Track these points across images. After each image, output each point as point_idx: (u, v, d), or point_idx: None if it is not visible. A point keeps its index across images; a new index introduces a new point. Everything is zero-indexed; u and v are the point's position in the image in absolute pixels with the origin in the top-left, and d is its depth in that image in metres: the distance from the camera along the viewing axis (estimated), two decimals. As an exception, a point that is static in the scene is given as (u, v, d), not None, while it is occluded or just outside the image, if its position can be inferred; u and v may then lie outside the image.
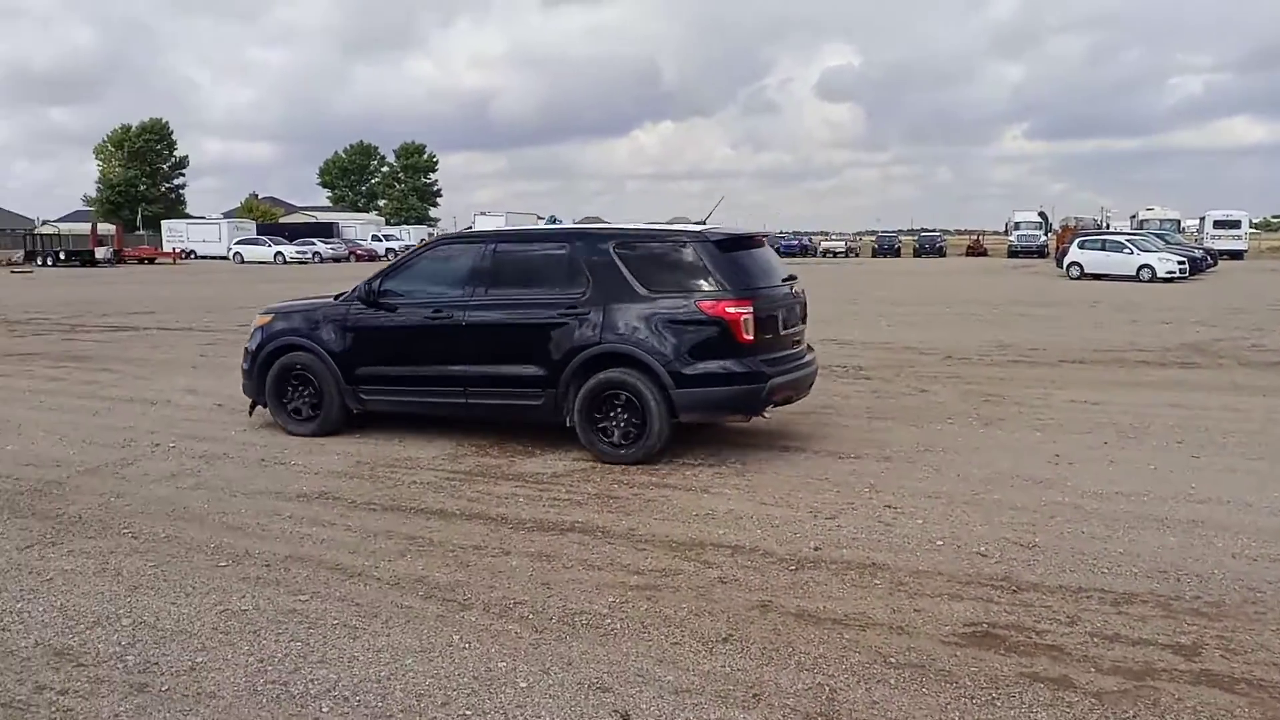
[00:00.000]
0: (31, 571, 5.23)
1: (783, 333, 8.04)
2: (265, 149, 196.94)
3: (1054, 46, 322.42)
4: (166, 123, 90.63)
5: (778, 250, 74.47)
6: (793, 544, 5.71)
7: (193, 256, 64.55)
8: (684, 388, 7.48)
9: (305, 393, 8.76)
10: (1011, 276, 39.86)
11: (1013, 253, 62.28)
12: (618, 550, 5.60)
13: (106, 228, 67.88)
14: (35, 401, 10.34)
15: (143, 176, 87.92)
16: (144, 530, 5.95)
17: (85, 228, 69.25)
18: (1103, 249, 36.81)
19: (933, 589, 5.03)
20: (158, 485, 7.00)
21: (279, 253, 57.51)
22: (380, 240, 66.85)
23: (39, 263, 54.70)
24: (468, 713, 3.75)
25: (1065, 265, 37.58)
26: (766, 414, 8.03)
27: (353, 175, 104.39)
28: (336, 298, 8.93)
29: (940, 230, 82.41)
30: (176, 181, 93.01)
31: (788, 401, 8.32)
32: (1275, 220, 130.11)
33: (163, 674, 4.04)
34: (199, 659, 4.18)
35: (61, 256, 55.21)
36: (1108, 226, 61.09)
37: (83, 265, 53.28)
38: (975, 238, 79.44)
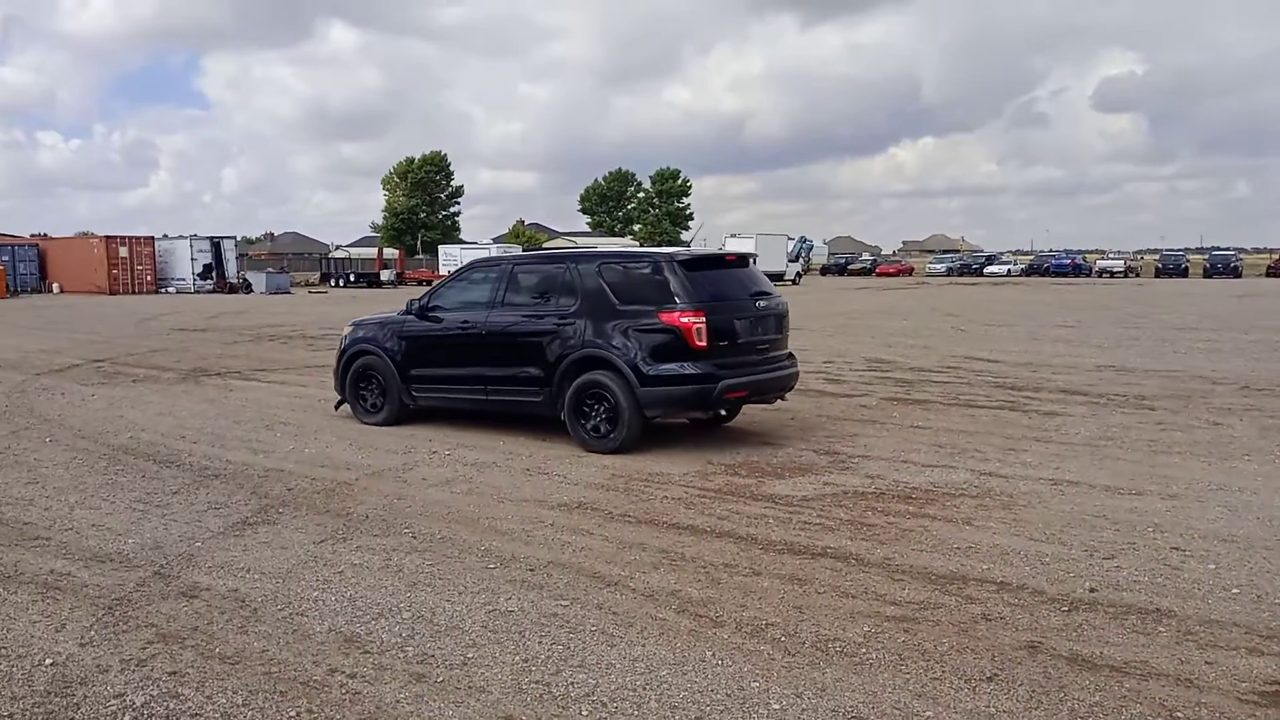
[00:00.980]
0: (326, 564, 5.76)
1: (742, 340, 8.96)
2: (531, 178, 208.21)
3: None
4: (445, 155, 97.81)
5: (1045, 270, 69.86)
6: (1065, 583, 5.34)
7: (465, 278, 69.06)
8: (647, 386, 8.58)
9: (374, 390, 10.42)
10: (1322, 300, 35.53)
11: (1323, 273, 55.53)
12: (872, 579, 5.45)
13: (390, 252, 74.13)
14: (329, 409, 11.40)
15: (423, 205, 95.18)
16: (422, 530, 6.41)
17: (372, 252, 75.99)
18: None
19: (1227, 641, 4.55)
20: (434, 490, 7.53)
21: (542, 275, 60.45)
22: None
23: (332, 284, 60.58)
24: (721, 730, 3.76)
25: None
26: (723, 411, 9.52)
27: (610, 201, 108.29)
28: (400, 313, 10.50)
29: (1235, 249, 74.73)
30: (452, 209, 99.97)
31: (747, 402, 9.44)
32: None
33: (438, 666, 4.33)
34: (470, 654, 4.45)
35: (351, 278, 60.92)
36: None
37: (369, 286, 58.46)
38: (1277, 257, 71.47)
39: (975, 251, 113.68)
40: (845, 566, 5.65)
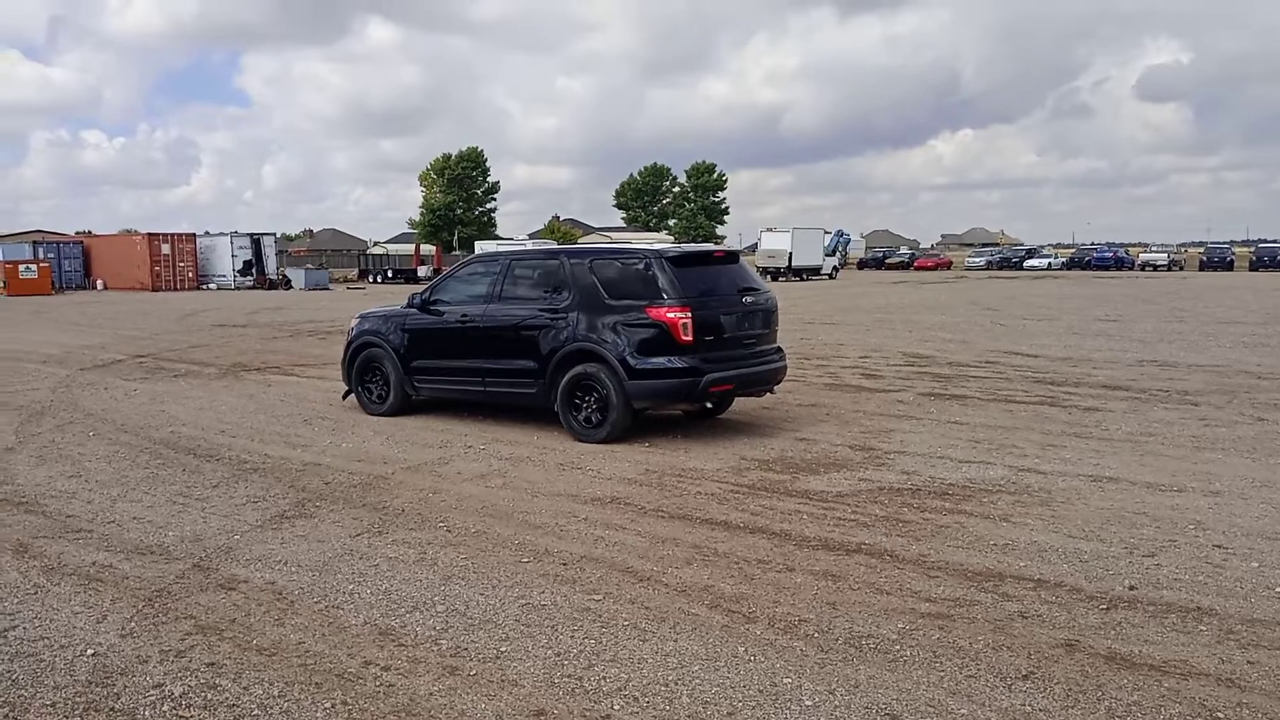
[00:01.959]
0: (361, 557, 5.81)
1: (729, 335, 9.16)
2: (567, 173, 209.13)
3: None
4: (481, 151, 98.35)
5: (1086, 263, 68.78)
6: (1104, 581, 5.26)
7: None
8: (635, 379, 8.82)
9: (378, 381, 10.74)
10: (1373, 293, 34.72)
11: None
12: (907, 576, 5.40)
13: (427, 248, 74.63)
14: (357, 402, 11.49)
15: (459, 201, 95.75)
16: (457, 524, 6.45)
17: (409, 248, 76.55)
18: None
19: (1270, 640, 4.46)
20: (469, 484, 7.58)
21: (576, 270, 60.56)
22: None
23: (370, 280, 61.11)
24: (752, 726, 3.74)
25: None
26: (709, 404, 9.76)
27: (645, 196, 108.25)
28: (403, 306, 10.72)
29: (1282, 241, 73.08)
30: (489, 205, 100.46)
31: (731, 394, 9.73)
32: None
33: (471, 659, 4.35)
34: (503, 648, 4.47)
35: (389, 274, 61.41)
36: None
37: (406, 282, 58.86)
38: (1326, 249, 69.83)
39: (1015, 245, 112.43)
40: (880, 563, 5.61)
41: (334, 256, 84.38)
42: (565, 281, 9.46)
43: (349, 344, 11.12)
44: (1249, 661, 4.24)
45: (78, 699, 3.99)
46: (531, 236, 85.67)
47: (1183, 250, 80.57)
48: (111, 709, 3.92)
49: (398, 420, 10.33)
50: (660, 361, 8.83)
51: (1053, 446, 8.66)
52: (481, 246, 75.68)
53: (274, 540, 6.13)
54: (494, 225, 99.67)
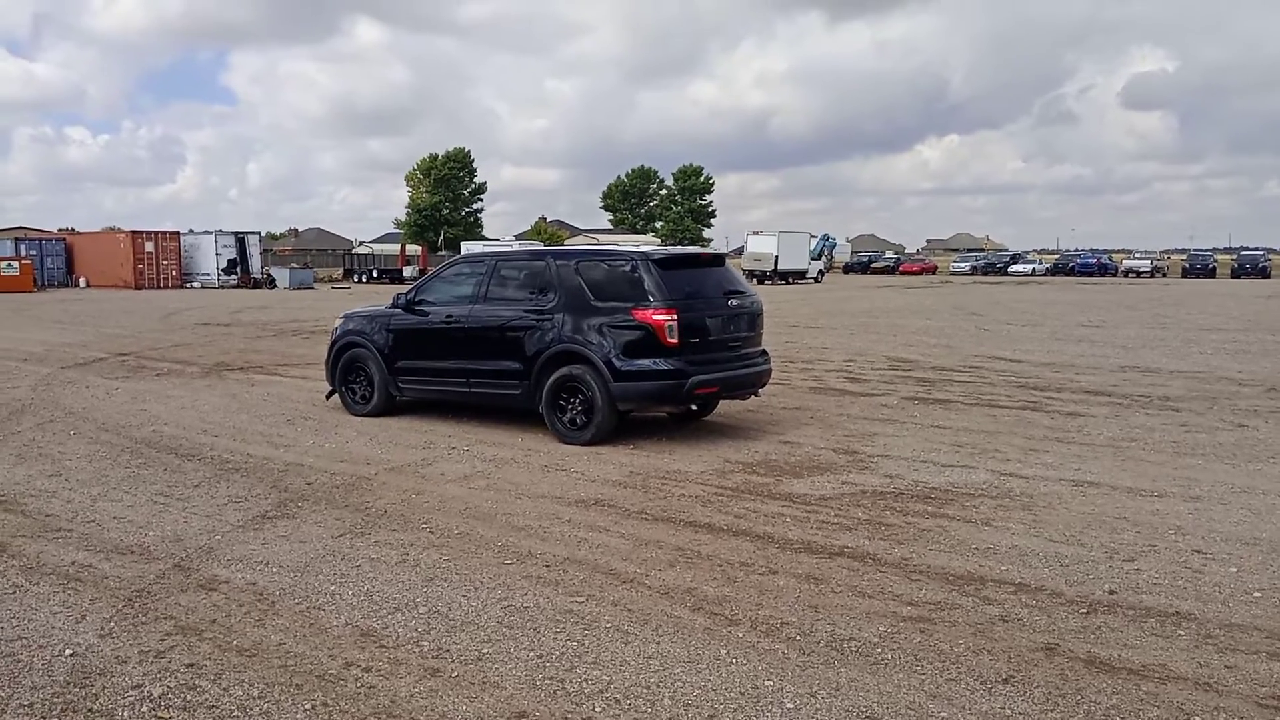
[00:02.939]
0: (343, 558, 5.79)
1: (714, 338, 9.20)
2: (554, 175, 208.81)
3: None
4: (468, 152, 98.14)
5: (1070, 269, 69.27)
6: (1084, 585, 5.29)
7: (487, 275, 69.25)
8: (620, 381, 8.81)
9: (362, 381, 10.67)
10: (1352, 301, 35.05)
11: (1354, 274, 54.67)
12: (889, 579, 5.42)
13: (413, 248, 74.40)
14: (340, 403, 11.46)
15: (446, 201, 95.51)
16: (440, 526, 6.44)
17: (395, 248, 76.28)
18: None
19: (1248, 645, 4.49)
20: (453, 485, 7.56)
21: (562, 272, 60.53)
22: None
23: (355, 280, 60.90)
24: (734, 728, 3.75)
25: None
26: (693, 406, 9.74)
27: (633, 198, 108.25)
28: (388, 306, 10.66)
29: (1264, 249, 73.80)
30: (475, 206, 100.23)
31: (716, 397, 9.73)
32: None
33: (453, 661, 4.34)
34: (485, 650, 4.46)
35: (374, 274, 61.23)
36: None
37: (391, 282, 58.67)
38: (1306, 257, 70.58)
39: (1000, 250, 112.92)
40: (862, 566, 5.63)
41: (319, 256, 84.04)
42: (551, 283, 9.45)
43: (333, 344, 11.06)
44: (1226, 666, 4.28)
45: (55, 699, 3.96)
46: (518, 237, 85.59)
47: (1166, 257, 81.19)
48: (90, 710, 3.89)
49: (381, 421, 10.29)
50: (645, 363, 8.83)
51: (1035, 451, 8.70)
52: (467, 247, 75.80)
53: (255, 541, 6.10)
54: (480, 226, 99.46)
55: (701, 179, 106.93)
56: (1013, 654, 4.41)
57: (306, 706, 3.90)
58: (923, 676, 4.19)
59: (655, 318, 8.76)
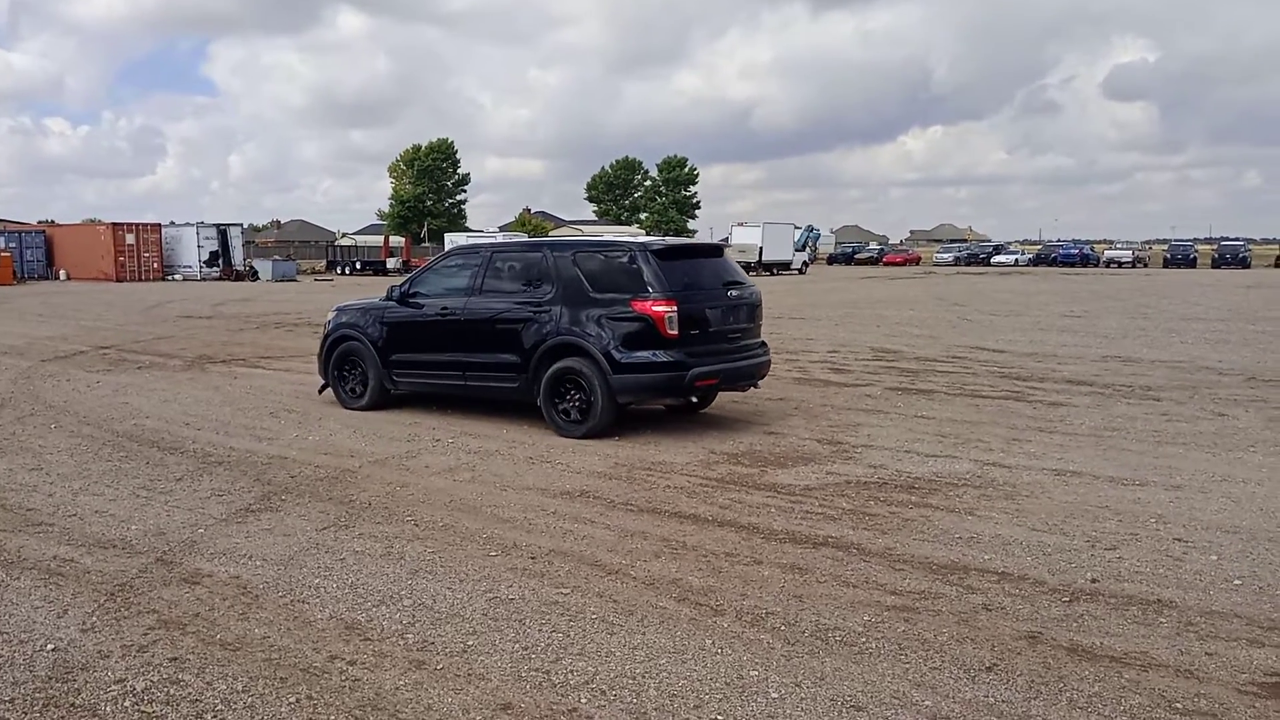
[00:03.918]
0: (328, 550, 5.77)
1: (714, 329, 9.11)
2: (538, 166, 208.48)
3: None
4: (452, 142, 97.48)
5: (1053, 260, 69.67)
6: (1066, 574, 5.33)
7: (471, 267, 69.07)
8: (619, 373, 8.73)
9: (357, 375, 10.56)
10: (1331, 291, 35.36)
11: (1333, 264, 55.15)
12: (873, 569, 5.44)
13: (396, 240, 74.15)
14: (332, 396, 11.42)
15: (429, 193, 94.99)
16: (424, 518, 6.42)
17: (378, 240, 75.99)
18: None
19: (1227, 632, 4.54)
20: (437, 477, 7.54)
21: (547, 263, 60.36)
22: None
23: (338, 271, 60.62)
24: (719, 717, 3.76)
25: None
26: (694, 399, 9.67)
27: (617, 189, 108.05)
28: (382, 298, 10.56)
29: (1244, 239, 74.36)
30: (459, 197, 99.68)
31: (716, 389, 9.58)
32: None
33: (438, 653, 4.34)
34: (470, 642, 4.45)
35: (357, 266, 60.97)
36: None
37: (375, 274, 58.42)
38: (1286, 248, 71.19)
39: (983, 241, 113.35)
40: (846, 556, 5.65)
41: (302, 248, 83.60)
42: (548, 274, 9.36)
43: (325, 337, 10.93)
44: (1207, 653, 4.31)
45: (37, 695, 3.93)
46: (502, 229, 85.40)
47: (1147, 247, 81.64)
48: (72, 705, 3.86)
49: (365, 414, 10.26)
50: (645, 355, 8.75)
51: (1018, 441, 8.75)
52: (451, 239, 75.44)
53: (239, 534, 6.07)
54: (464, 217, 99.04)
55: (686, 170, 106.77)
56: (996, 642, 4.43)
57: (291, 700, 3.89)
58: (907, 665, 4.21)
59: (655, 309, 8.69)
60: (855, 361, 14.77)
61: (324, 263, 65.89)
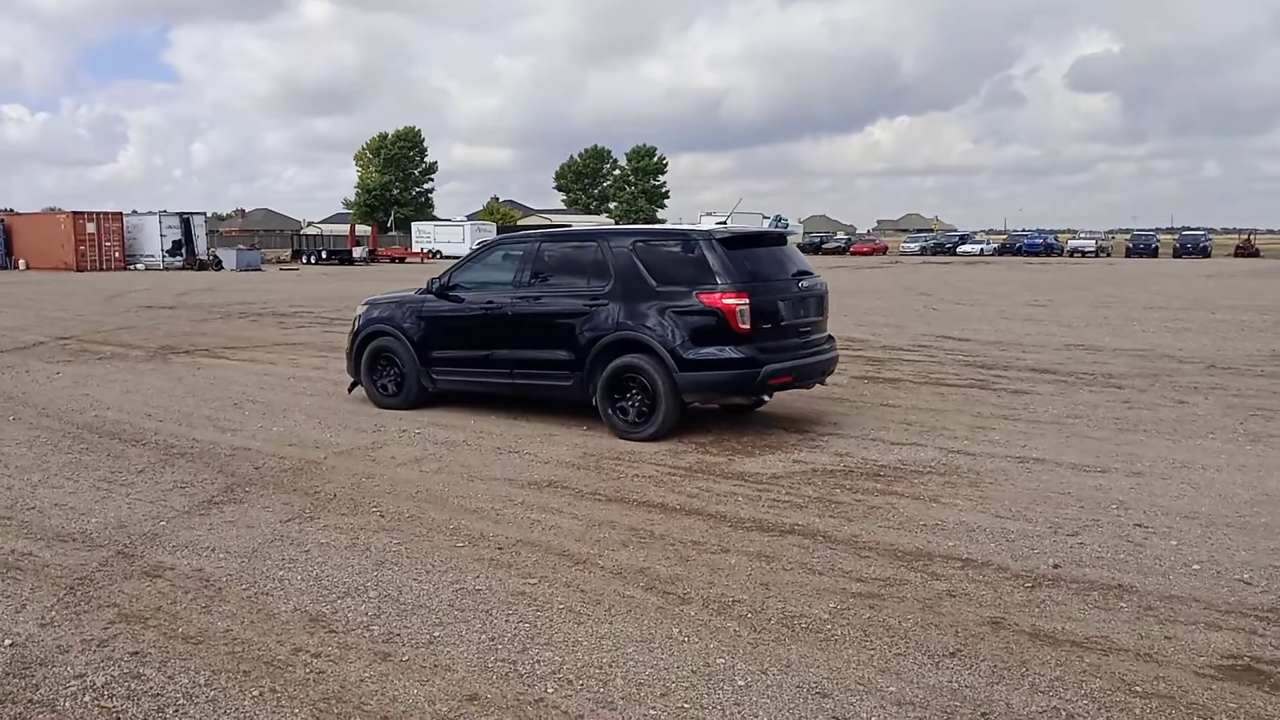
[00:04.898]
0: (292, 542, 5.72)
1: (785, 323, 8.58)
2: (506, 154, 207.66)
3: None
4: (419, 131, 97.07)
5: (1017, 250, 70.44)
6: (1029, 560, 5.39)
7: (438, 256, 68.77)
8: (686, 371, 8.20)
9: (391, 372, 10.01)
10: (1288, 280, 35.99)
11: (1290, 253, 56.09)
12: (839, 556, 5.48)
13: (362, 229, 73.52)
14: (299, 388, 11.33)
15: (396, 181, 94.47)
16: (390, 509, 6.38)
17: (344, 229, 75.30)
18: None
19: (1187, 616, 4.61)
20: (404, 468, 7.50)
21: (515, 252, 60.10)
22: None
23: (304, 260, 60.03)
24: (686, 705, 3.77)
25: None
26: (766, 397, 9.02)
27: (586, 179, 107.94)
28: (418, 291, 10.01)
29: (1205, 229, 75.52)
30: (426, 186, 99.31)
31: (787, 387, 8.83)
32: None
33: (404, 645, 4.31)
34: (436, 633, 4.43)
35: (323, 255, 60.44)
36: None
37: (341, 263, 57.96)
38: (1245, 237, 72.43)
39: (949, 231, 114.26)
40: (812, 543, 5.68)
41: (266, 237, 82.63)
42: (604, 265, 8.81)
43: (356, 333, 10.30)
44: (1166, 637, 4.38)
45: (-6, 691, 3.87)
46: (470, 218, 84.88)
47: (1110, 237, 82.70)
48: (30, 700, 3.81)
49: (331, 404, 10.17)
50: (714, 352, 8.21)
51: (982, 429, 8.84)
52: (419, 228, 74.92)
53: (201, 526, 6.00)
54: (431, 206, 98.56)
55: (655, 159, 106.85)
56: (959, 628, 4.48)
57: (254, 693, 3.85)
58: (872, 652, 4.24)
59: (725, 301, 8.14)
60: (823, 350, 14.81)
61: (289, 252, 65.23)
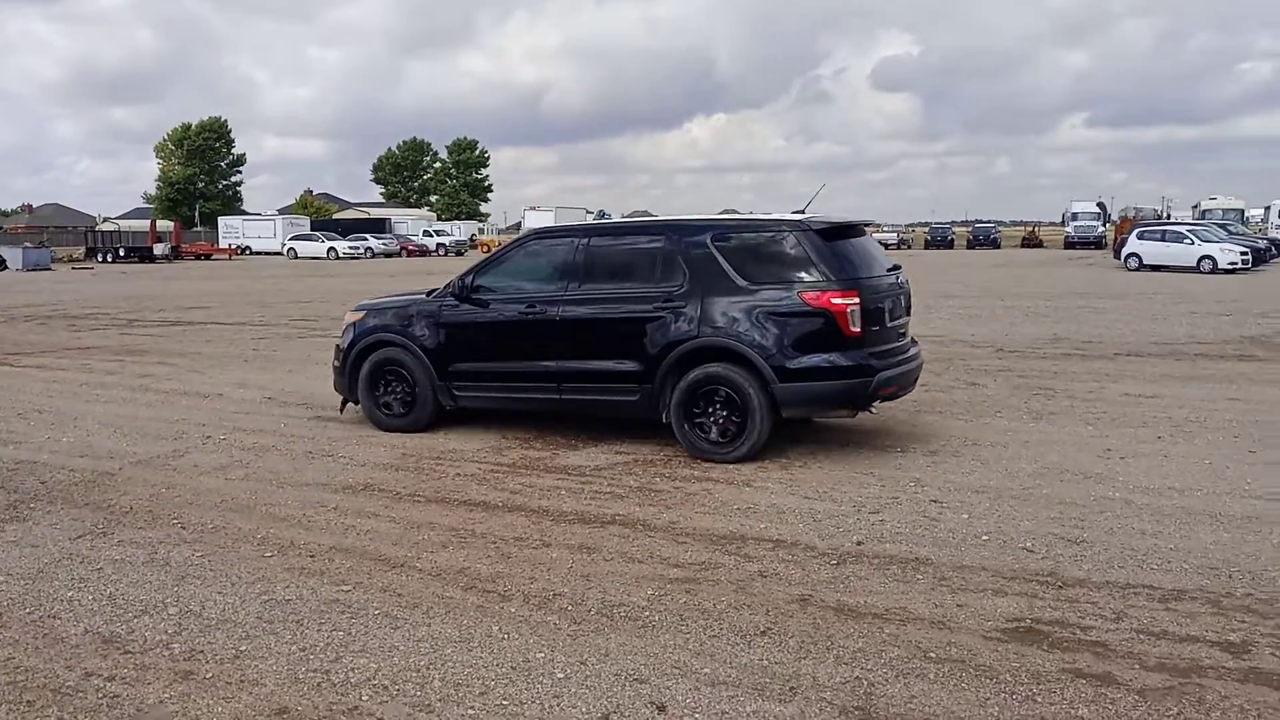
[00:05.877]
0: (82, 560, 5.36)
1: (889, 324, 7.76)
2: (320, 146, 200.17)
3: (1118, 32, 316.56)
4: (225, 121, 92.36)
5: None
6: (835, 538, 5.66)
7: (248, 252, 65.70)
8: (787, 382, 7.23)
9: (398, 389, 8.66)
10: (1067, 268, 39.09)
11: (1069, 244, 60.88)
12: (658, 543, 5.59)
13: (165, 225, 69.40)
14: (91, 395, 10.60)
15: (201, 174, 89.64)
16: (193, 521, 6.07)
17: (145, 224, 70.83)
18: (1162, 239, 35.96)
19: (976, 584, 4.95)
20: (207, 477, 7.14)
21: (332, 249, 58.33)
22: (431, 236, 67.54)
23: (100, 259, 56.09)
24: (505, 702, 3.77)
25: (1123, 256, 36.78)
26: (873, 409, 7.83)
27: (405, 171, 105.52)
28: (428, 294, 8.82)
29: (996, 222, 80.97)
30: (234, 179, 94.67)
31: (894, 397, 8.01)
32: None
33: (207, 662, 4.12)
34: (243, 647, 4.26)
35: (121, 253, 56.62)
36: (1168, 217, 59.68)
37: (141, 261, 54.49)
38: (1030, 229, 78.23)
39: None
40: (632, 532, 5.78)
41: (57, 234, 76.68)
42: (674, 261, 7.74)
43: (350, 344, 8.84)
44: (958, 605, 4.70)
45: None
46: (282, 212, 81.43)
47: (911, 230, 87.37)
48: None
49: (127, 412, 9.56)
50: (821, 360, 7.26)
51: (794, 415, 9.17)
52: (226, 223, 71.25)
53: (-22, 549, 5.53)
54: (240, 200, 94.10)
55: (477, 153, 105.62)
56: (770, 607, 4.66)
57: (39, 725, 3.59)
58: (687, 635, 4.36)
59: (835, 301, 7.20)
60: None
61: (83, 250, 60.68)
